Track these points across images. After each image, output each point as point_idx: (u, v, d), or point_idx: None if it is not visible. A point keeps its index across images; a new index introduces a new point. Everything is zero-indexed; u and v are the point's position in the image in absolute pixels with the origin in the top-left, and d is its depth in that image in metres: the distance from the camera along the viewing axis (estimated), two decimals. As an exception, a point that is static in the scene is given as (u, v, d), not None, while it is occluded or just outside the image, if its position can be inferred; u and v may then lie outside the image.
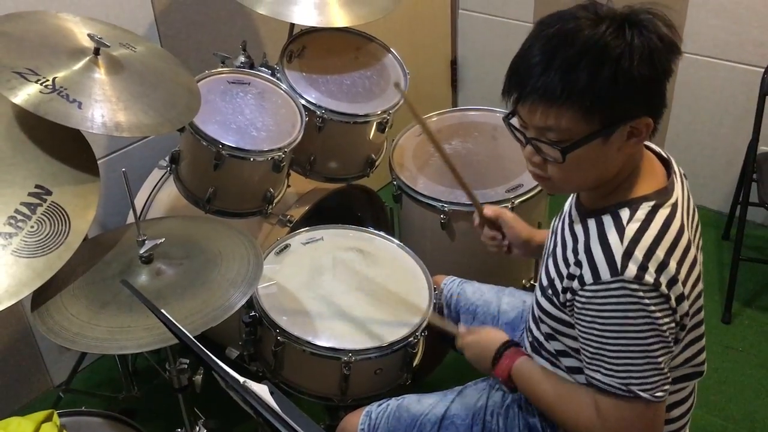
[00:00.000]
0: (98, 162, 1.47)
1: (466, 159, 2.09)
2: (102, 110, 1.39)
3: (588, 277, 1.06)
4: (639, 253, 1.03)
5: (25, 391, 2.13)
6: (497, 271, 1.76)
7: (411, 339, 1.55)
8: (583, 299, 1.08)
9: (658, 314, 1.03)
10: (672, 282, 1.04)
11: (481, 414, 1.36)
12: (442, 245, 1.99)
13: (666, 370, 1.07)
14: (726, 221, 2.72)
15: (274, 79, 1.89)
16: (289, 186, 1.91)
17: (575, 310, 1.11)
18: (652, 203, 1.08)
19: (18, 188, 1.35)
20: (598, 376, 1.10)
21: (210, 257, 1.45)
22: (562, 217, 1.25)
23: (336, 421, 1.50)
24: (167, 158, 1.81)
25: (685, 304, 1.07)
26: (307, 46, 1.99)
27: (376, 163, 2.06)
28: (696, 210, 1.19)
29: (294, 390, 1.61)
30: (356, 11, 1.92)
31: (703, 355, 1.21)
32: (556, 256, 1.17)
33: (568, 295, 1.11)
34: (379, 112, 1.91)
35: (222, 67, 1.89)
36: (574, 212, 1.20)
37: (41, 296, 1.35)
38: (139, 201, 2.02)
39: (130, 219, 2.00)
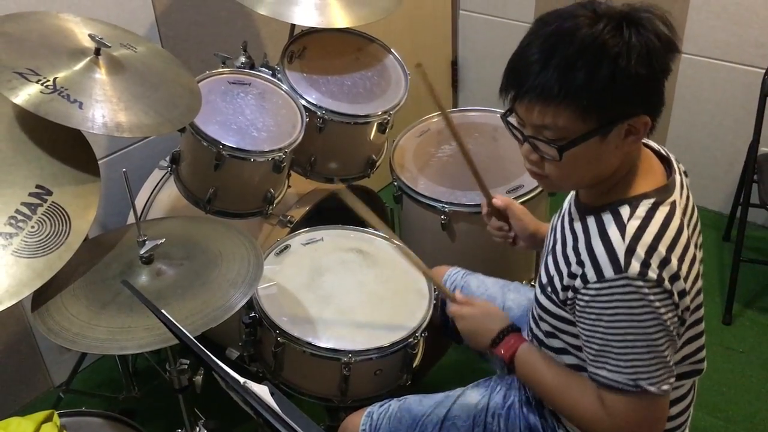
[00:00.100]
0: (99, 162, 1.47)
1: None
2: (103, 110, 1.39)
3: (591, 275, 1.06)
4: (641, 249, 1.04)
5: (26, 392, 2.13)
6: (497, 272, 1.75)
7: (411, 340, 1.55)
8: (586, 297, 1.08)
9: (663, 309, 1.04)
10: (674, 278, 1.04)
11: (482, 415, 1.36)
12: (443, 246, 1.99)
13: (671, 364, 1.08)
14: (727, 222, 2.72)
15: (275, 80, 1.89)
16: (289, 186, 1.91)
17: (577, 308, 1.10)
18: (651, 201, 1.09)
19: (18, 188, 1.35)
20: (603, 372, 1.09)
21: (210, 258, 1.45)
22: (562, 214, 1.25)
23: (336, 422, 1.50)
24: (168, 159, 1.81)
25: (687, 299, 1.07)
26: (308, 47, 1.99)
27: (377, 164, 2.06)
28: (695, 208, 1.19)
29: (294, 391, 1.61)
30: (357, 12, 1.92)
31: (703, 353, 1.22)
32: (555, 253, 1.17)
33: (570, 293, 1.11)
34: (379, 113, 1.91)
35: (223, 67, 1.89)
36: (573, 210, 1.21)
37: (41, 296, 1.35)
38: (140, 201, 2.02)
39: (131, 219, 2.00)
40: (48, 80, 1.37)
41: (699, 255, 1.14)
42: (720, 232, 2.74)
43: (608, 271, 1.04)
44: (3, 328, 2.01)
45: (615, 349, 1.07)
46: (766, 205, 2.20)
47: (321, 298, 1.64)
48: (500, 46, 3.11)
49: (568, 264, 1.12)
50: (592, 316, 1.08)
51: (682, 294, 1.06)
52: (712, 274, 2.53)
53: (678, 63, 2.68)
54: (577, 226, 1.15)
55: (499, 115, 1.23)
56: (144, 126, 1.44)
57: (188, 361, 1.48)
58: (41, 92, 1.34)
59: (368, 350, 1.51)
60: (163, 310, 1.03)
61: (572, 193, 1.25)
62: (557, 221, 1.25)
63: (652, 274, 1.03)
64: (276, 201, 1.84)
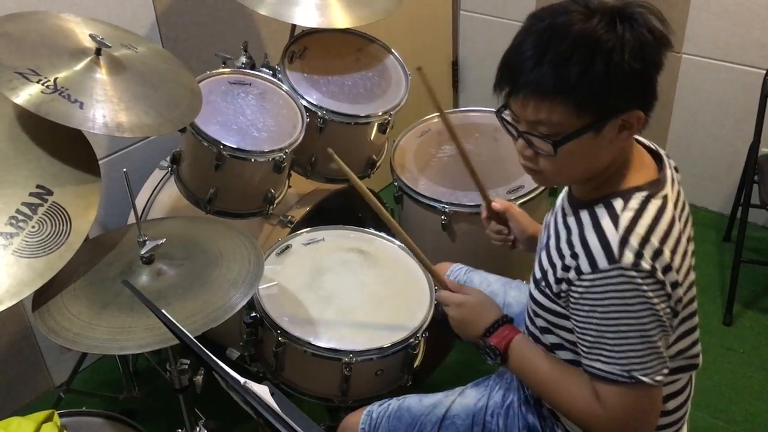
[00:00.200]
0: (99, 162, 1.47)
1: (467, 160, 2.09)
2: (103, 110, 1.39)
3: (585, 266, 1.07)
4: (634, 240, 1.04)
5: (26, 391, 2.13)
6: (498, 272, 1.75)
7: (412, 340, 1.55)
8: (580, 289, 1.08)
9: (656, 300, 1.04)
10: (667, 269, 1.05)
11: (481, 414, 1.36)
12: (443, 246, 1.99)
13: (664, 354, 1.08)
14: (727, 223, 2.72)
15: (276, 80, 1.89)
16: (290, 187, 1.91)
17: (571, 300, 1.11)
18: (644, 194, 1.10)
19: (19, 188, 1.35)
20: (598, 365, 1.10)
21: (211, 258, 1.45)
22: (555, 211, 1.26)
23: (337, 422, 1.50)
24: (168, 159, 1.81)
25: (680, 291, 1.08)
26: (309, 47, 1.99)
27: (377, 164, 2.06)
28: (686, 203, 1.20)
29: (295, 391, 1.61)
30: (357, 12, 1.92)
31: (698, 347, 1.22)
32: (549, 248, 1.18)
33: (564, 286, 1.12)
34: (380, 113, 1.92)
35: (223, 67, 1.89)
36: (566, 205, 1.21)
37: (42, 296, 1.35)
38: (140, 201, 2.02)
39: (131, 219, 2.00)
40: (49, 80, 1.37)
41: (690, 248, 1.16)
42: (720, 233, 2.73)
43: (602, 261, 1.05)
44: (4, 327, 2.01)
45: (609, 340, 1.07)
46: (767, 206, 2.20)
47: (322, 298, 1.64)
48: (501, 47, 3.08)
49: (561, 257, 1.12)
50: (586, 308, 1.08)
51: (675, 285, 1.07)
52: (713, 274, 2.53)
53: (679, 63, 2.68)
54: (571, 220, 1.15)
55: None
56: (145, 126, 1.44)
57: (189, 361, 1.48)
58: (42, 92, 1.34)
59: (369, 350, 1.51)
60: (163, 310, 1.03)
61: (565, 189, 1.26)
62: (550, 218, 1.26)
63: (645, 264, 1.03)
64: (276, 201, 1.85)
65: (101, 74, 1.45)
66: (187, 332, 0.99)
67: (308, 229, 1.83)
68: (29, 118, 1.40)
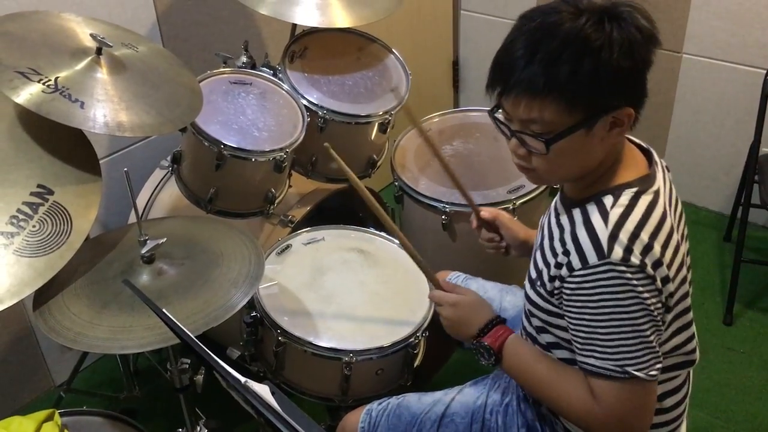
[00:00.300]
0: (100, 162, 1.47)
1: (467, 160, 2.09)
2: (104, 110, 1.39)
3: (576, 262, 1.08)
4: (623, 236, 1.05)
5: (27, 391, 2.13)
6: (498, 272, 1.76)
7: (412, 339, 1.55)
8: (572, 285, 1.09)
9: (646, 294, 1.05)
10: (657, 264, 1.06)
11: (480, 412, 1.36)
12: (444, 246, 1.99)
13: (657, 349, 1.09)
14: (727, 223, 2.72)
15: (276, 80, 1.89)
16: (290, 186, 1.92)
17: (564, 297, 1.12)
18: (634, 190, 1.11)
19: (20, 188, 1.35)
20: (591, 360, 1.10)
21: (211, 257, 1.45)
22: (549, 212, 1.27)
23: (337, 422, 1.50)
24: (169, 158, 1.82)
25: (671, 285, 1.09)
26: (309, 47, 1.99)
27: (378, 164, 2.06)
28: (679, 201, 1.21)
29: (295, 390, 1.61)
30: (358, 12, 1.92)
31: (693, 343, 1.22)
32: (543, 247, 1.19)
33: (557, 283, 1.12)
34: (380, 113, 1.92)
35: (224, 67, 1.89)
36: (559, 205, 1.23)
37: (43, 296, 1.35)
38: (141, 201, 2.02)
39: (132, 219, 2.00)
40: (49, 80, 1.37)
41: (685, 245, 1.17)
42: (721, 233, 2.73)
43: (592, 257, 1.06)
44: (4, 327, 2.01)
45: (601, 335, 1.08)
46: (767, 206, 2.20)
47: (322, 297, 1.64)
48: (501, 47, 3.10)
49: (555, 255, 1.13)
50: (578, 304, 1.09)
51: (666, 280, 1.07)
52: (713, 274, 2.53)
53: (679, 63, 2.68)
54: (563, 219, 1.16)
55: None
56: (145, 125, 1.44)
57: (189, 361, 1.49)
58: (43, 92, 1.35)
59: (369, 350, 1.51)
60: (164, 310, 1.03)
61: (558, 192, 1.28)
62: (544, 220, 1.27)
63: (635, 259, 1.04)
64: (277, 201, 1.85)
65: (102, 74, 1.45)
66: (187, 331, 0.99)
67: (308, 228, 1.83)
68: (30, 118, 1.40)
